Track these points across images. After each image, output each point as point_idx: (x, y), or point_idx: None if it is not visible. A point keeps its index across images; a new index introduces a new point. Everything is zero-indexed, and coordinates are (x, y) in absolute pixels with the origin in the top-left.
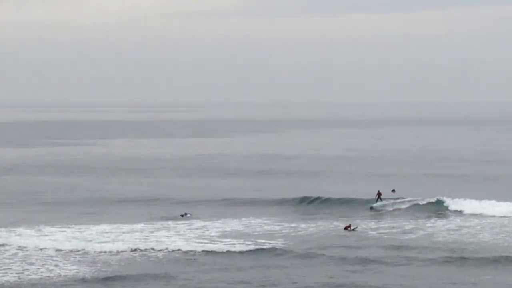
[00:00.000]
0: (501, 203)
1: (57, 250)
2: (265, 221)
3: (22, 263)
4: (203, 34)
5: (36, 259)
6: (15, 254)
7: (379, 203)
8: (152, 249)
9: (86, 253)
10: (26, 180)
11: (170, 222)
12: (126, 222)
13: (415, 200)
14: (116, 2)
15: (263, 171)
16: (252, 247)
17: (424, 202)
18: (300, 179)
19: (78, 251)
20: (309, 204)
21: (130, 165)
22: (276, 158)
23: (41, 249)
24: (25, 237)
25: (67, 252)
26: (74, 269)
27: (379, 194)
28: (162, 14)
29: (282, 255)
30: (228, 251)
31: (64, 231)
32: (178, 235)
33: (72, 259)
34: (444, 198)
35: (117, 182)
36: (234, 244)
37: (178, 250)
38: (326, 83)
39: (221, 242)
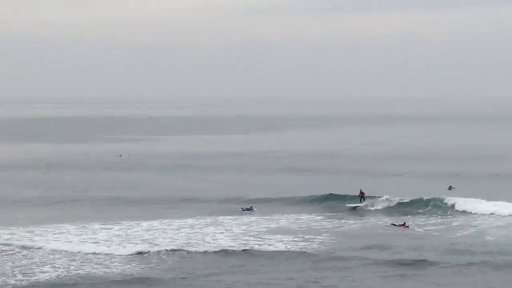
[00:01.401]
0: None
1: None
2: (315, 217)
3: (74, 261)
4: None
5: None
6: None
7: (362, 203)
8: (195, 245)
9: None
10: (79, 177)
11: (221, 218)
12: (178, 218)
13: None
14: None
15: (316, 168)
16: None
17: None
18: (356, 176)
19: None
20: (363, 201)
21: (184, 161)
22: (330, 154)
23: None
24: (66, 236)
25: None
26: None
27: (361, 193)
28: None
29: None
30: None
31: (111, 228)
32: (226, 230)
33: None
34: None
35: (172, 179)
36: (283, 240)
37: (220, 249)
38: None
39: (268, 239)
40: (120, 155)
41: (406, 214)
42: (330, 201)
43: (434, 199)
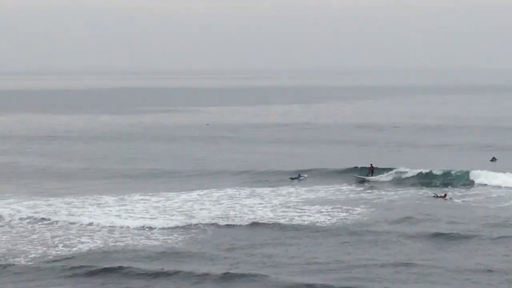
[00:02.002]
0: None
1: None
2: (356, 188)
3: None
4: None
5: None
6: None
7: (370, 177)
8: (233, 218)
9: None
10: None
11: (260, 189)
12: (218, 188)
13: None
14: None
15: (359, 141)
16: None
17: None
18: (400, 148)
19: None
20: (403, 174)
21: (228, 132)
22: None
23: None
24: (105, 208)
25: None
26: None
27: (371, 167)
28: None
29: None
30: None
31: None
32: (265, 202)
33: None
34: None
35: (215, 150)
36: (321, 211)
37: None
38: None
39: (308, 210)
40: (207, 124)
41: (446, 185)
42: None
43: (469, 173)
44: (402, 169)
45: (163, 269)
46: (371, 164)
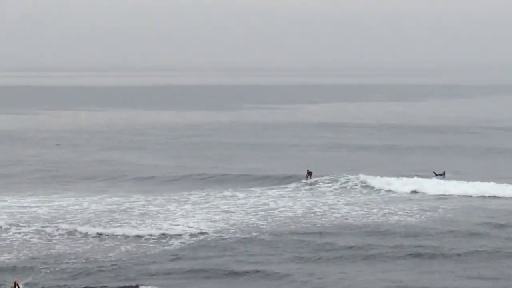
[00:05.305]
0: None
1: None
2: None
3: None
4: None
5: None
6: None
7: (309, 180)
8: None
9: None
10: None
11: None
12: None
13: None
14: None
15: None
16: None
17: None
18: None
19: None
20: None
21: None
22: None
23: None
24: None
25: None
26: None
27: (309, 172)
28: None
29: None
30: None
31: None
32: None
33: None
34: None
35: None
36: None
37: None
38: None
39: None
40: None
41: None
42: None
43: None
44: None
45: None
46: (307, 170)
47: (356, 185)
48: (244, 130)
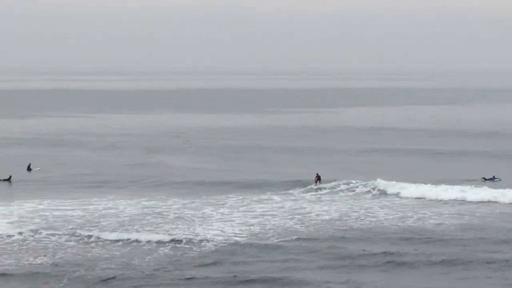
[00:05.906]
0: None
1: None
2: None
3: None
4: None
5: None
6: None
7: (317, 186)
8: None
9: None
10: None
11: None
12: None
13: None
14: None
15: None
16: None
17: None
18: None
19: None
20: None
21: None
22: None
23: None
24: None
25: None
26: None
27: (317, 177)
28: None
29: None
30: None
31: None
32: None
33: None
34: None
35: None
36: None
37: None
38: None
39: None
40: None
41: None
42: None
43: None
44: None
45: None
46: (317, 174)
47: (392, 190)
48: (285, 134)
